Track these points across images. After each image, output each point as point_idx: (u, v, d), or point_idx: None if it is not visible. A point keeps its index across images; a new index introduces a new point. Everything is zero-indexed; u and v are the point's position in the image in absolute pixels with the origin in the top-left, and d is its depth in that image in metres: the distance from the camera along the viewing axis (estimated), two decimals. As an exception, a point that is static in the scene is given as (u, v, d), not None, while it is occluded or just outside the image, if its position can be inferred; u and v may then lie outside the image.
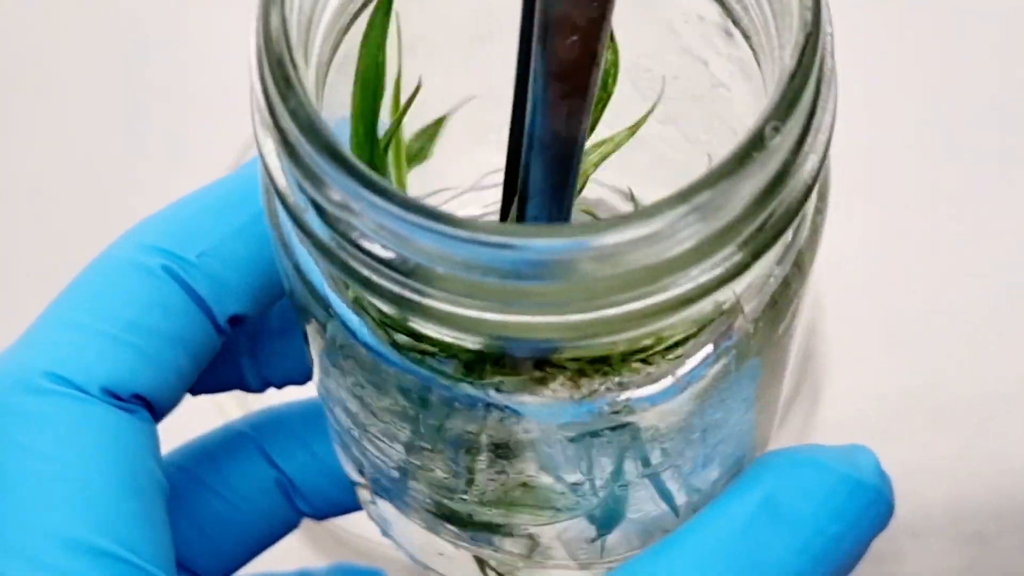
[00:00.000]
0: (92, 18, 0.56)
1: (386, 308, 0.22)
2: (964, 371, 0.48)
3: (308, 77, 0.23)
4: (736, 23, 0.24)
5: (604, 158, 0.26)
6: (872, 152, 0.50)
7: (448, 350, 0.23)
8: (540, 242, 0.20)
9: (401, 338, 0.23)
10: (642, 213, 0.20)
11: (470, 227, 0.20)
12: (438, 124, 0.28)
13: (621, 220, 0.20)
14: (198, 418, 0.32)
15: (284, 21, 0.22)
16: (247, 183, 0.28)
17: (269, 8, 0.22)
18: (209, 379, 0.30)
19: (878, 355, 0.48)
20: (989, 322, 0.49)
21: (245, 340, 0.31)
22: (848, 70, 0.55)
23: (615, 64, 0.25)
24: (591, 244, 0.20)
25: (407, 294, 0.21)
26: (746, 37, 0.24)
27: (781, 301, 0.24)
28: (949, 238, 0.50)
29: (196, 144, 0.54)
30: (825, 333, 0.48)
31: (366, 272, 0.21)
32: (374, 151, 0.26)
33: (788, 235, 0.22)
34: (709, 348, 0.23)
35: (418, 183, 0.28)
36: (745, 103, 0.25)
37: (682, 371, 0.24)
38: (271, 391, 0.32)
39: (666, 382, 0.24)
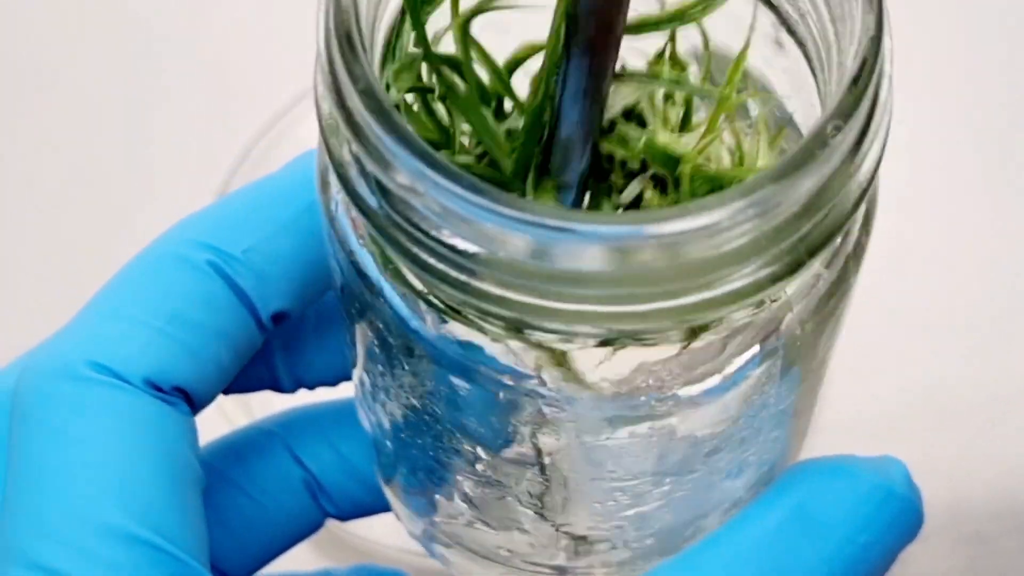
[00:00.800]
0: (98, 17, 0.56)
1: (442, 290, 0.22)
2: (965, 373, 0.48)
3: (374, 60, 0.23)
4: (791, 31, 0.24)
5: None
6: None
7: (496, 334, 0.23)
8: (598, 228, 0.20)
9: (452, 323, 0.24)
10: (702, 205, 0.20)
11: (532, 210, 0.20)
12: None
13: (680, 210, 0.20)
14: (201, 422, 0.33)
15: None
16: (292, 180, 0.28)
17: None
18: (243, 378, 0.30)
19: (880, 356, 0.49)
20: (991, 324, 0.49)
21: (281, 340, 0.31)
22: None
23: None
24: (649, 232, 0.20)
25: (462, 277, 0.21)
26: (800, 45, 0.24)
27: (827, 307, 0.24)
28: (951, 240, 0.51)
29: (200, 146, 0.54)
30: (828, 335, 0.48)
31: (424, 254, 0.21)
32: None
33: (839, 239, 0.23)
34: (756, 348, 0.24)
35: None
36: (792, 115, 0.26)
37: (729, 369, 0.24)
38: (288, 393, 0.32)
39: (713, 380, 0.24)
